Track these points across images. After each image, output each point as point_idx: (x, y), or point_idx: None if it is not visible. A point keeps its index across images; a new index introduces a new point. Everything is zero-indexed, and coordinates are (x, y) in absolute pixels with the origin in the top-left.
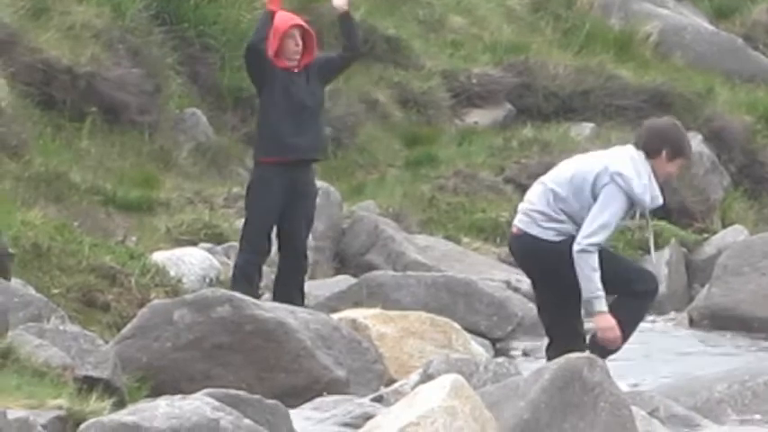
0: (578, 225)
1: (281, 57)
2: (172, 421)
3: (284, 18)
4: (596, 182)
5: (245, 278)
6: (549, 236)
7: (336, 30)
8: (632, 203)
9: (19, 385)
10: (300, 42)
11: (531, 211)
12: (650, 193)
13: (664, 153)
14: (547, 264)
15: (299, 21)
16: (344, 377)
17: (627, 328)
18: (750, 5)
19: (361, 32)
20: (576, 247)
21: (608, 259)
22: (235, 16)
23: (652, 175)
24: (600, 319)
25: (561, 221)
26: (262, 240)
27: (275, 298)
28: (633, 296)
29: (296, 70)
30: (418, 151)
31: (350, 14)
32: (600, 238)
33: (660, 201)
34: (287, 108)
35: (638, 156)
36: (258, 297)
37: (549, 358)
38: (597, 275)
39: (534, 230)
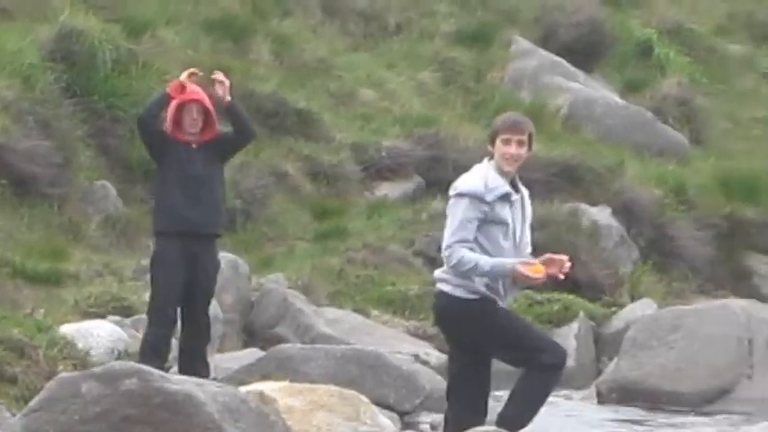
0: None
1: (180, 129)
2: None
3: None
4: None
5: (153, 352)
6: (458, 293)
7: (247, 102)
8: (476, 202)
9: None
10: (198, 117)
11: (444, 272)
12: (483, 185)
13: (490, 144)
14: (455, 322)
15: (197, 96)
16: None
17: (534, 403)
18: (660, 79)
19: (271, 105)
20: (445, 258)
21: (520, 326)
22: (145, 88)
23: (490, 172)
24: (518, 270)
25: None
26: (167, 313)
27: (180, 371)
28: (540, 369)
29: (194, 146)
30: (328, 224)
31: (233, 104)
32: (457, 236)
33: (500, 190)
34: (181, 181)
35: (483, 163)
36: (166, 370)
37: (447, 423)
38: (482, 259)
39: (446, 288)
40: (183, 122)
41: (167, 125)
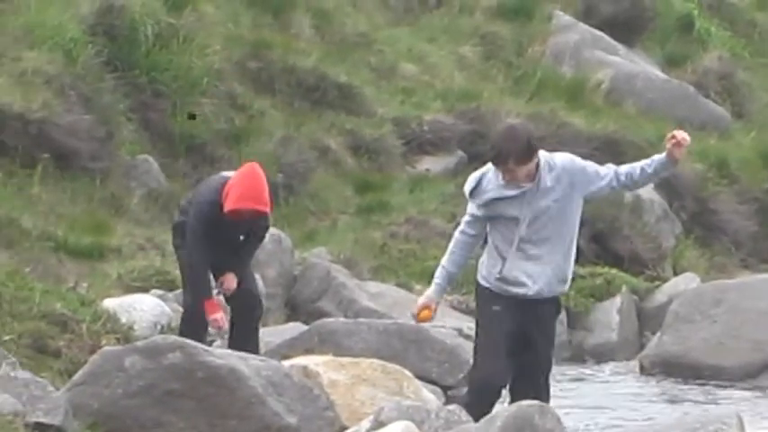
0: (492, 258)
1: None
2: None
3: (244, 195)
4: None
5: (188, 325)
6: (479, 277)
7: (288, 77)
8: (471, 202)
9: None
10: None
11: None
12: (474, 187)
13: None
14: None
15: (256, 208)
16: (295, 424)
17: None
18: (701, 53)
19: (312, 80)
20: None
21: (480, 333)
22: (186, 63)
23: (491, 172)
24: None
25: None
26: (201, 284)
27: (229, 346)
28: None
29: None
30: (370, 198)
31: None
32: (461, 223)
33: (489, 196)
34: (214, 246)
35: None
36: (209, 343)
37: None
38: (444, 260)
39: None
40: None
41: (224, 205)
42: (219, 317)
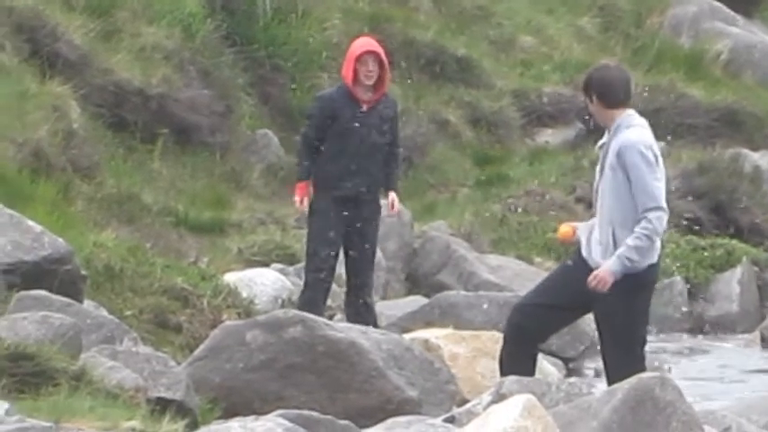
0: None
1: (357, 84)
2: None
3: (359, 43)
4: None
5: (309, 302)
6: None
7: (407, 50)
8: None
9: (92, 407)
10: (374, 69)
11: None
12: None
13: None
14: None
15: (374, 48)
16: (417, 397)
17: None
18: None
19: (431, 53)
20: None
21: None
22: (305, 37)
23: None
24: None
25: None
26: (321, 256)
27: (347, 319)
28: None
29: (364, 107)
30: (489, 171)
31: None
32: None
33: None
34: (343, 151)
35: None
36: (329, 318)
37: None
38: None
39: None
40: (359, 74)
41: (346, 76)
42: (298, 199)
